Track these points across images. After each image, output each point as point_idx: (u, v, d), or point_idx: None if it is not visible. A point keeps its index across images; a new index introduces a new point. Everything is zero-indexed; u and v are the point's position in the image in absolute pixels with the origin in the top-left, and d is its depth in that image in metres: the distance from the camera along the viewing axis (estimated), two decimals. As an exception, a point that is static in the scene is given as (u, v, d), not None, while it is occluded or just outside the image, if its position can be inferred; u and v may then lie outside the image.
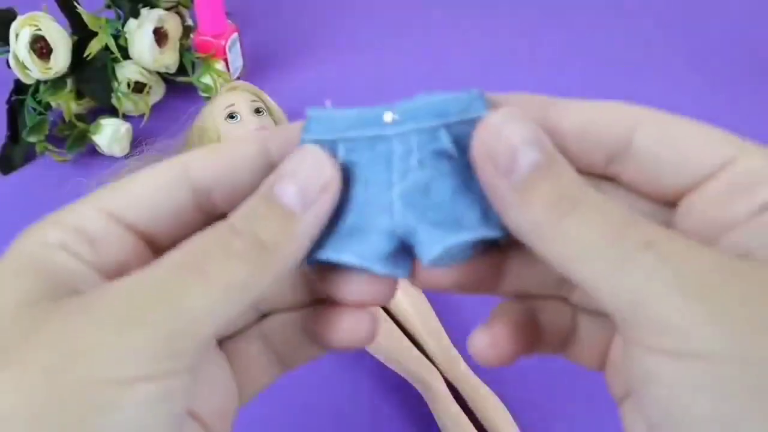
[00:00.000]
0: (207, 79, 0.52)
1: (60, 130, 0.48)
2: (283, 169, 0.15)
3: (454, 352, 0.33)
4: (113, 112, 0.50)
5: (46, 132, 0.47)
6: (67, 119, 0.48)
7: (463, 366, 0.32)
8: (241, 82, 0.43)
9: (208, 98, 0.52)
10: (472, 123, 0.17)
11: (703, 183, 0.15)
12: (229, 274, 0.14)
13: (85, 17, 0.48)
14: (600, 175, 0.17)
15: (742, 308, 0.13)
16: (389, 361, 0.33)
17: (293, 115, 0.42)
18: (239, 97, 0.41)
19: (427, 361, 0.32)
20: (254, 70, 0.58)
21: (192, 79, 0.53)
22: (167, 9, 0.53)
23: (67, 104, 0.48)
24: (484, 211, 0.16)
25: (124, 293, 0.14)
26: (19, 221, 0.44)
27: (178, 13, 0.54)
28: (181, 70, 0.54)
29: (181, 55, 0.53)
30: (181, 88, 0.54)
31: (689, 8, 0.71)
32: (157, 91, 0.53)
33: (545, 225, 0.14)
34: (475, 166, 0.16)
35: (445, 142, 0.17)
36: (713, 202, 0.15)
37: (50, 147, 0.47)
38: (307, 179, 0.15)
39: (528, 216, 0.14)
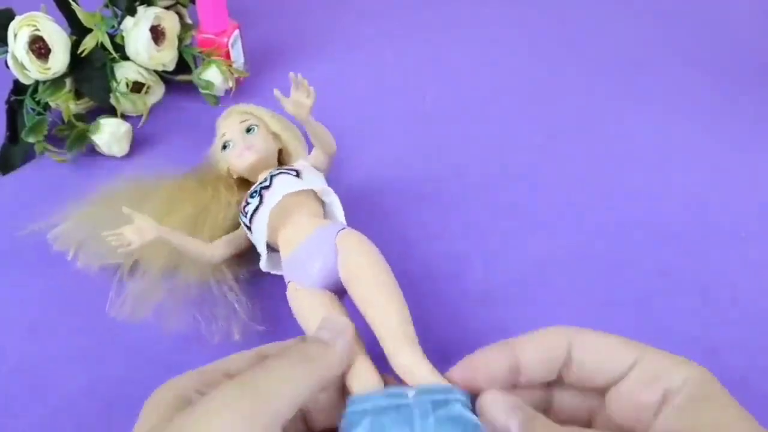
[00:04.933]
0: (208, 76, 0.52)
1: (59, 130, 0.47)
2: (318, 327, 0.26)
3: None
4: (112, 112, 0.50)
5: (45, 132, 0.47)
6: (66, 119, 0.47)
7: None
8: (233, 106, 0.43)
9: (209, 96, 0.53)
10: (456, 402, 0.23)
11: (619, 380, 0.23)
12: (288, 372, 0.22)
13: (80, 14, 0.48)
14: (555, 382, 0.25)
15: None
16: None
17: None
18: (229, 125, 0.41)
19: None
20: (256, 67, 0.58)
21: (192, 77, 0.53)
22: (166, 8, 0.53)
23: (66, 104, 0.48)
24: None
25: (218, 391, 0.21)
26: (19, 221, 0.44)
27: (177, 12, 0.54)
28: (182, 69, 0.53)
29: (181, 53, 0.53)
30: (181, 88, 0.54)
31: (689, 8, 0.71)
32: (156, 91, 0.53)
33: None
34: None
35: (458, 408, 0.23)
36: (629, 394, 0.23)
37: (49, 147, 0.47)
38: (333, 328, 0.26)
39: None
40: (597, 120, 0.53)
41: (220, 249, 0.37)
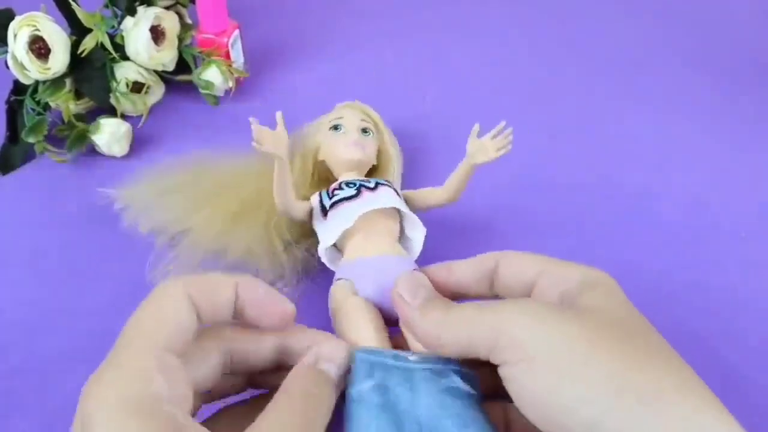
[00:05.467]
0: (208, 76, 0.52)
1: (59, 130, 0.47)
2: (325, 352, 0.25)
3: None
4: (112, 112, 0.50)
5: (45, 132, 0.47)
6: (66, 119, 0.47)
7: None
8: (356, 102, 0.43)
9: (209, 96, 0.53)
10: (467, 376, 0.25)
11: (533, 288, 0.26)
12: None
13: (80, 14, 0.48)
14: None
15: (555, 327, 0.22)
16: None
17: (295, 110, 0.41)
18: (350, 113, 0.41)
19: None
20: (256, 67, 0.58)
21: (192, 77, 0.53)
22: (166, 8, 0.53)
23: (66, 104, 0.48)
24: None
25: None
26: (19, 221, 0.44)
27: (177, 12, 0.54)
28: (182, 68, 0.53)
29: (181, 53, 0.53)
30: (181, 88, 0.54)
31: (689, 8, 0.71)
32: (156, 91, 0.53)
33: (437, 327, 0.25)
34: (396, 306, 0.27)
35: (456, 379, 0.24)
36: (539, 297, 0.26)
37: (49, 147, 0.47)
38: (339, 362, 0.25)
39: (429, 327, 0.25)
40: (597, 120, 0.53)
41: (303, 210, 0.37)
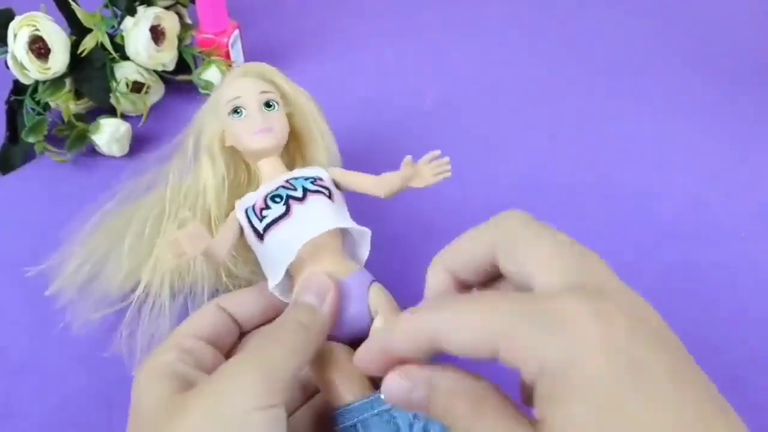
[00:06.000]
0: (208, 76, 0.52)
1: (59, 130, 0.47)
2: (303, 288, 0.28)
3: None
4: (112, 112, 0.50)
5: (45, 132, 0.47)
6: (66, 119, 0.47)
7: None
8: (253, 64, 0.36)
9: (208, 95, 0.52)
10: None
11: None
12: (291, 340, 0.25)
13: (80, 14, 0.48)
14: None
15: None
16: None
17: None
18: (247, 86, 0.34)
19: None
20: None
21: (192, 77, 0.53)
22: (166, 8, 0.53)
23: (65, 104, 0.48)
24: None
25: (233, 366, 0.23)
26: (19, 221, 0.44)
27: (177, 12, 0.54)
28: (182, 68, 0.53)
29: (181, 53, 0.53)
30: (181, 88, 0.54)
31: (689, 8, 0.71)
32: (156, 91, 0.53)
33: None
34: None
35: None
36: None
37: (49, 147, 0.47)
38: (318, 290, 0.28)
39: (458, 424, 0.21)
40: (597, 120, 0.53)
41: (232, 239, 0.32)
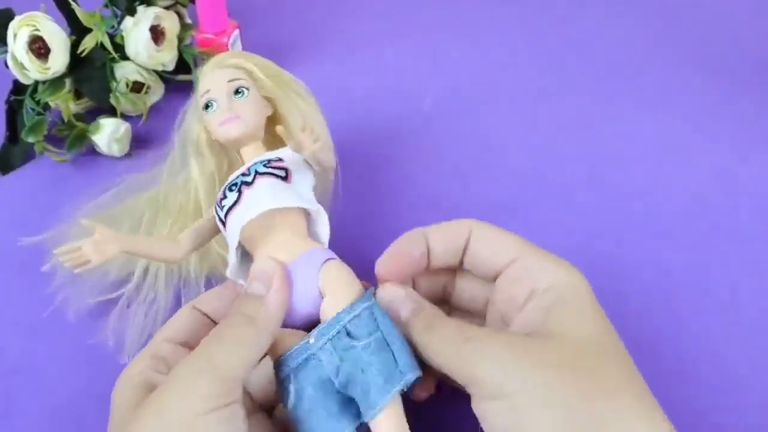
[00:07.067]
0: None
1: (59, 130, 0.47)
2: (250, 278, 0.27)
3: None
4: (112, 112, 0.50)
5: (45, 132, 0.47)
6: (65, 119, 0.47)
7: None
8: (224, 54, 0.36)
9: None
10: (364, 312, 0.26)
11: (502, 271, 0.27)
12: (236, 335, 0.24)
13: (80, 14, 0.48)
14: (458, 266, 0.30)
15: (524, 367, 0.23)
16: None
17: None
18: (216, 77, 0.34)
19: None
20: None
21: (192, 77, 0.53)
22: (166, 8, 0.53)
23: (65, 104, 0.48)
24: (400, 363, 0.25)
25: (181, 369, 0.23)
26: (19, 221, 0.44)
27: (177, 12, 0.54)
28: (182, 68, 0.53)
29: (181, 53, 0.53)
30: (180, 88, 0.54)
31: (689, 8, 0.71)
32: (156, 91, 0.53)
33: (420, 343, 0.26)
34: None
35: (346, 340, 0.25)
36: (507, 285, 0.27)
37: (49, 147, 0.47)
38: (263, 278, 0.27)
39: (415, 338, 0.26)
40: (597, 120, 0.53)
41: (187, 245, 0.32)
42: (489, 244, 0.28)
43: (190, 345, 0.28)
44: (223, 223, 0.31)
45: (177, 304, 0.37)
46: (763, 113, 0.55)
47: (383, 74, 0.59)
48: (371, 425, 0.24)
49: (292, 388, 0.25)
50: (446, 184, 0.47)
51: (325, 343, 0.25)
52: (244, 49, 0.56)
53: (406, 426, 0.24)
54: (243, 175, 0.31)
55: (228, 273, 0.31)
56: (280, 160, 0.32)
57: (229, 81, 0.34)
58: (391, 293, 0.27)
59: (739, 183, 0.48)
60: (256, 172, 0.31)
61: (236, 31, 0.54)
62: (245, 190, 0.30)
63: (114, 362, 0.35)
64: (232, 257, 0.30)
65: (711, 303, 0.39)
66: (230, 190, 0.31)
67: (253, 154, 0.33)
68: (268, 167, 0.32)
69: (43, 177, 0.47)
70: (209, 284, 0.38)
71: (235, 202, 0.30)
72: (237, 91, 0.34)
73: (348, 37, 0.64)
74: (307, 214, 0.32)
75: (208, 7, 0.52)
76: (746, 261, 0.42)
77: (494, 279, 0.28)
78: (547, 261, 0.27)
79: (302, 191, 0.32)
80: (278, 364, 0.26)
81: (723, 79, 0.59)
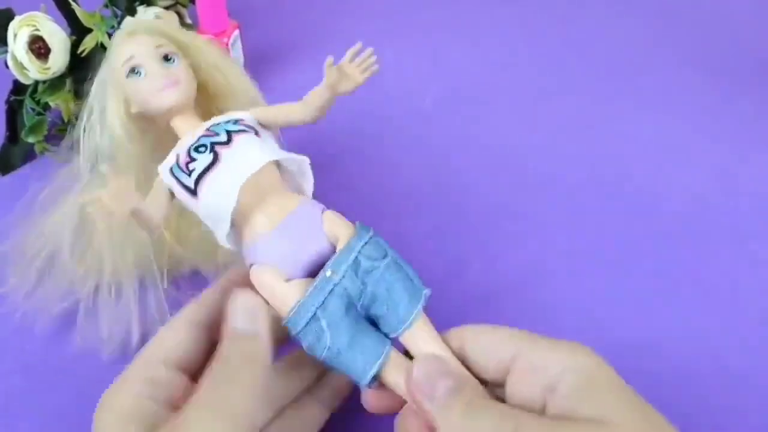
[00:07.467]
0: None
1: (59, 130, 0.47)
2: (230, 313, 0.26)
3: None
4: (112, 112, 0.50)
5: (45, 132, 0.47)
6: (66, 119, 0.47)
7: None
8: (138, 20, 0.34)
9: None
10: (371, 240, 0.27)
11: (509, 370, 0.24)
12: (242, 377, 0.24)
13: (80, 14, 0.48)
14: None
15: None
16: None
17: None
18: (140, 45, 0.32)
19: None
20: (256, 67, 0.58)
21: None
22: (166, 8, 0.53)
23: (65, 104, 0.47)
24: (415, 281, 0.27)
25: (195, 412, 0.22)
26: (19, 221, 0.43)
27: (177, 12, 0.54)
28: (181, 69, 0.53)
29: (181, 55, 0.53)
30: (180, 88, 0.54)
31: (689, 8, 0.71)
32: (156, 91, 0.53)
33: (456, 426, 0.22)
34: (412, 398, 0.24)
35: (367, 263, 0.26)
36: (515, 386, 0.24)
37: (49, 147, 0.47)
38: (244, 310, 0.26)
39: (451, 418, 0.23)
40: (597, 120, 0.53)
41: (164, 206, 0.30)
42: (484, 349, 0.25)
43: (189, 370, 0.27)
44: (192, 191, 0.29)
45: (144, 292, 0.37)
46: (763, 113, 0.55)
47: (383, 74, 0.59)
48: (403, 339, 0.26)
49: (324, 323, 0.25)
50: (446, 183, 0.47)
51: (347, 271, 0.26)
52: (244, 49, 0.56)
53: (436, 332, 0.26)
54: (208, 136, 0.30)
55: (222, 239, 0.29)
56: (242, 119, 0.31)
57: (156, 47, 0.32)
58: (427, 367, 0.24)
59: (739, 183, 0.47)
60: (228, 132, 0.30)
61: (236, 32, 0.54)
62: (222, 150, 0.29)
63: (114, 363, 0.35)
64: (226, 225, 0.28)
65: (711, 303, 0.39)
66: (198, 152, 0.29)
67: (188, 123, 0.32)
68: (239, 125, 0.30)
69: (43, 177, 0.47)
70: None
71: (212, 164, 0.28)
72: (167, 58, 0.32)
73: (348, 37, 0.64)
74: (282, 171, 0.31)
75: (208, 7, 0.52)
76: (746, 261, 0.42)
77: (503, 384, 0.25)
78: (551, 348, 0.24)
79: (275, 145, 0.31)
80: (295, 315, 0.26)
81: (723, 79, 0.59)
